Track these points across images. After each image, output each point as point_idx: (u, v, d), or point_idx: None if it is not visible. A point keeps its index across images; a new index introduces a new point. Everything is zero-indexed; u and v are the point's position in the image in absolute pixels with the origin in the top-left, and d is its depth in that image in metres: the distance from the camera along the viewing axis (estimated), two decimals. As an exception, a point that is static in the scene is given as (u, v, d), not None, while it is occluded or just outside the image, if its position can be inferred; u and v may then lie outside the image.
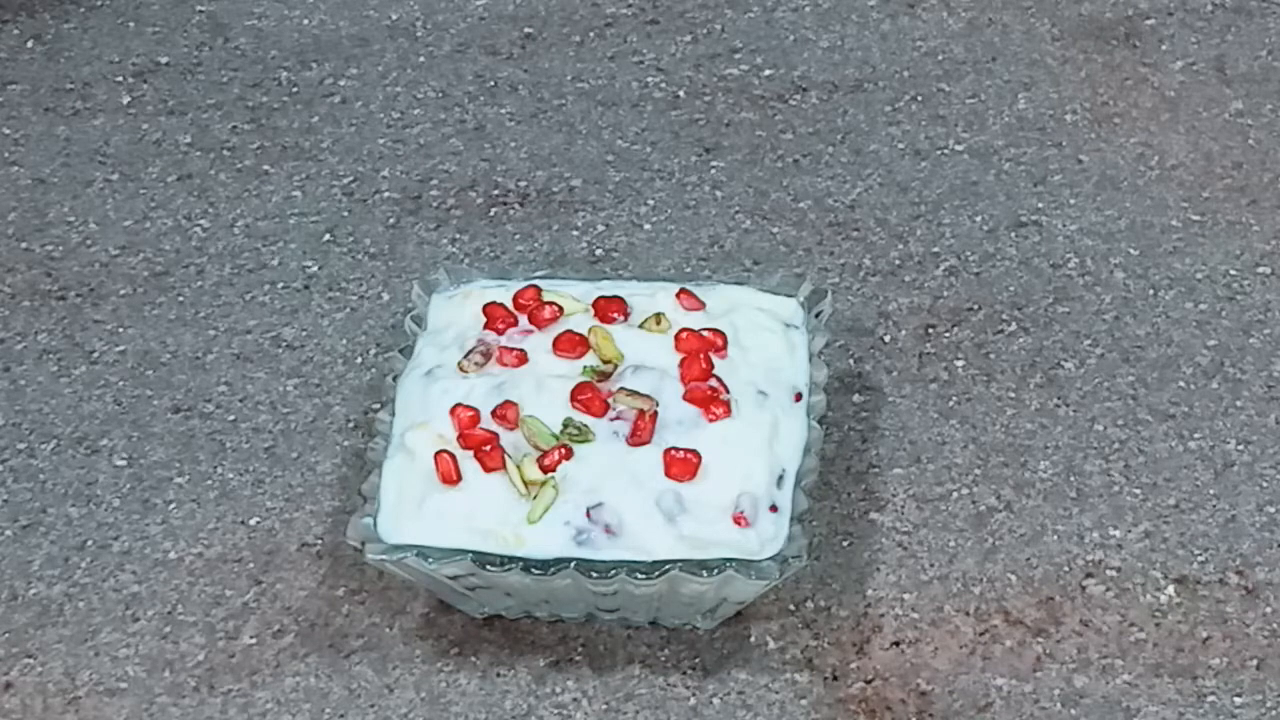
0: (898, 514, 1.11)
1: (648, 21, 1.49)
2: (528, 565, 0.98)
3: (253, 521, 1.12)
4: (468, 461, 1.01)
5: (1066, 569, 1.08)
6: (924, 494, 1.12)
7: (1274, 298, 1.24)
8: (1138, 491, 1.12)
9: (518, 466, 1.00)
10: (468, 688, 1.03)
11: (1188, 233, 1.29)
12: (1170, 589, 1.07)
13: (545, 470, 1.00)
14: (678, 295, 1.09)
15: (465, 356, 1.06)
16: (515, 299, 1.09)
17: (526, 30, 1.49)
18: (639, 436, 1.01)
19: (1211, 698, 1.02)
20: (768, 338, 1.08)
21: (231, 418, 1.18)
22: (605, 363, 1.05)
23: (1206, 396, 1.18)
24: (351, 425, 1.17)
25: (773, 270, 1.21)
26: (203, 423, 1.18)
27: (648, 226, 1.31)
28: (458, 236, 1.30)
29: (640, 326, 1.07)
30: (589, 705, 1.02)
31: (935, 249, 1.28)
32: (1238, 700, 1.02)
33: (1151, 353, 1.21)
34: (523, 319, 1.08)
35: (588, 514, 0.99)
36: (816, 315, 1.11)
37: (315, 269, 1.28)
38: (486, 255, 1.28)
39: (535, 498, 0.99)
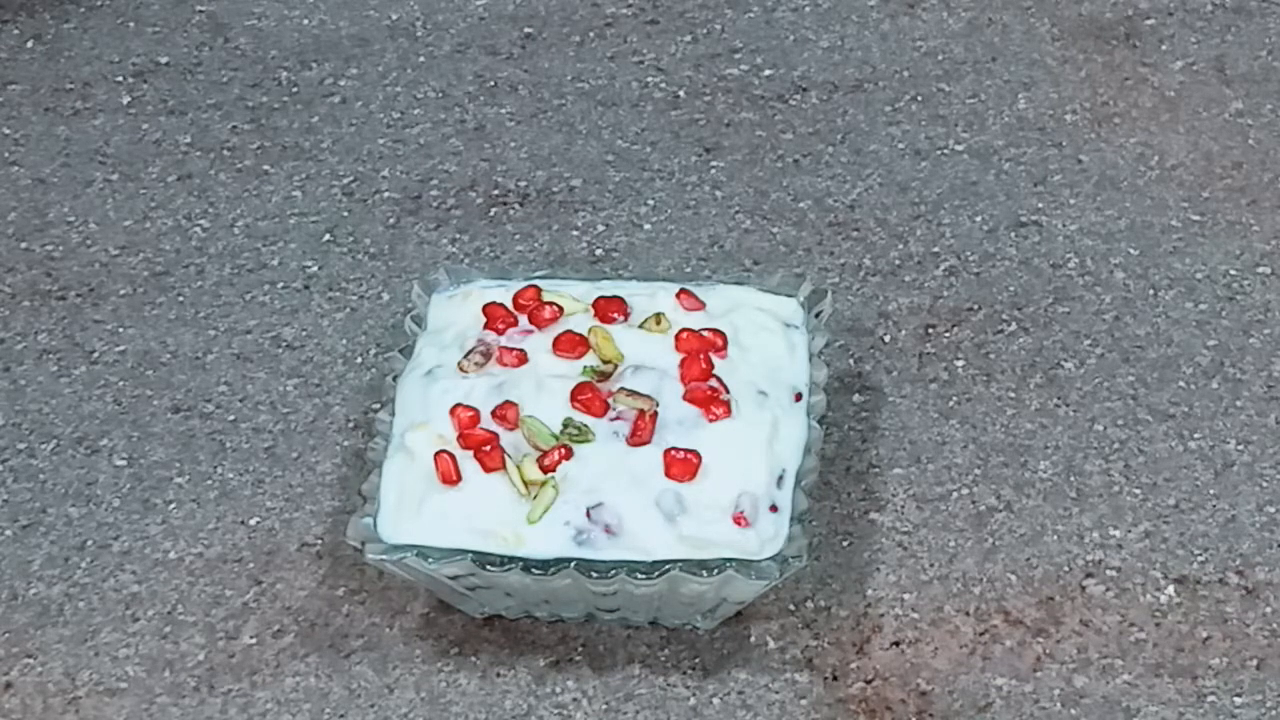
0: (898, 514, 1.11)
1: (648, 21, 1.49)
2: (528, 565, 0.98)
3: (253, 521, 1.12)
4: (468, 461, 1.01)
5: (1066, 569, 1.08)
6: (924, 494, 1.12)
7: (1274, 298, 1.24)
8: (1138, 491, 1.12)
9: (518, 466, 1.00)
10: (468, 688, 1.03)
11: (1188, 233, 1.29)
12: (1170, 589, 1.07)
13: (545, 470, 1.00)
14: (678, 295, 1.09)
15: (465, 356, 1.06)
16: (515, 299, 1.09)
17: (526, 30, 1.49)
18: (639, 436, 1.01)
19: (1211, 698, 1.02)
20: (768, 338, 1.08)
21: (231, 418, 1.18)
22: (605, 363, 1.05)
23: (1206, 396, 1.18)
24: (351, 425, 1.17)
25: (773, 270, 1.21)
26: (203, 423, 1.18)
27: (648, 226, 1.31)
28: (458, 236, 1.30)
29: (640, 326, 1.07)
30: (589, 705, 1.02)
31: (935, 249, 1.28)
32: (1238, 700, 1.02)
33: (1151, 353, 1.21)
34: (523, 319, 1.08)
35: (588, 514, 0.99)
36: (816, 315, 1.11)
37: (315, 269, 1.28)
38: (486, 255, 1.28)
39: (535, 498, 0.99)
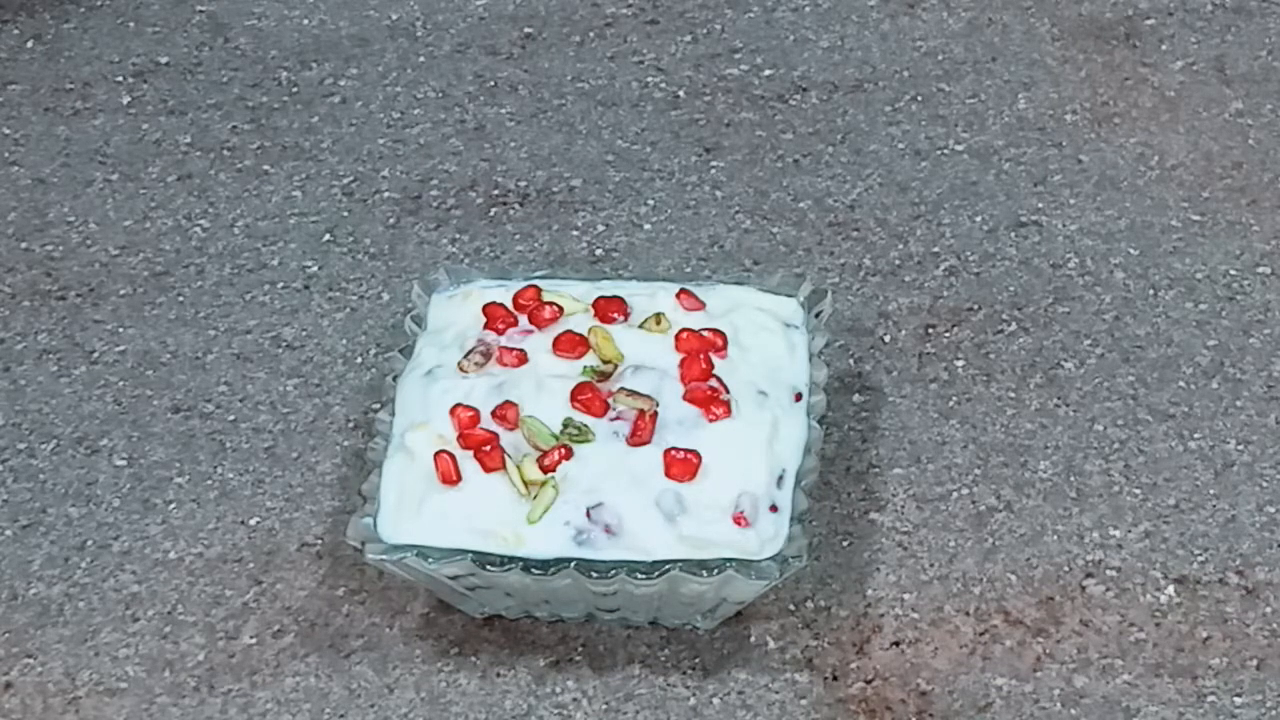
0: (898, 514, 1.11)
1: (648, 21, 1.49)
2: (528, 565, 0.98)
3: (253, 521, 1.12)
4: (468, 461, 1.01)
5: (1066, 569, 1.08)
6: (924, 494, 1.12)
7: (1274, 298, 1.24)
8: (1138, 491, 1.12)
9: (518, 466, 1.00)
10: (468, 688, 1.03)
11: (1188, 233, 1.29)
12: (1170, 589, 1.07)
13: (545, 470, 1.00)
14: (678, 295, 1.09)
15: (465, 356, 1.06)
16: (515, 299, 1.09)
17: (526, 30, 1.49)
18: (639, 436, 1.01)
19: (1211, 698, 1.02)
20: (768, 338, 1.08)
21: (231, 418, 1.18)
22: (605, 363, 1.05)
23: (1206, 396, 1.18)
24: (351, 425, 1.17)
25: (773, 270, 1.21)
26: (203, 423, 1.18)
27: (648, 226, 1.31)
28: (458, 236, 1.30)
29: (640, 326, 1.07)
30: (589, 705, 1.02)
31: (935, 249, 1.28)
32: (1238, 700, 1.02)
33: (1151, 353, 1.21)
34: (523, 319, 1.08)
35: (588, 514, 0.99)
36: (816, 315, 1.11)
37: (315, 269, 1.28)
38: (486, 255, 1.28)
39: (535, 498, 0.99)
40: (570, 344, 1.06)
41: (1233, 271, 1.26)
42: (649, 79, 1.43)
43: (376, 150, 1.38)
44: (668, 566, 0.98)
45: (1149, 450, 1.14)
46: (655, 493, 0.99)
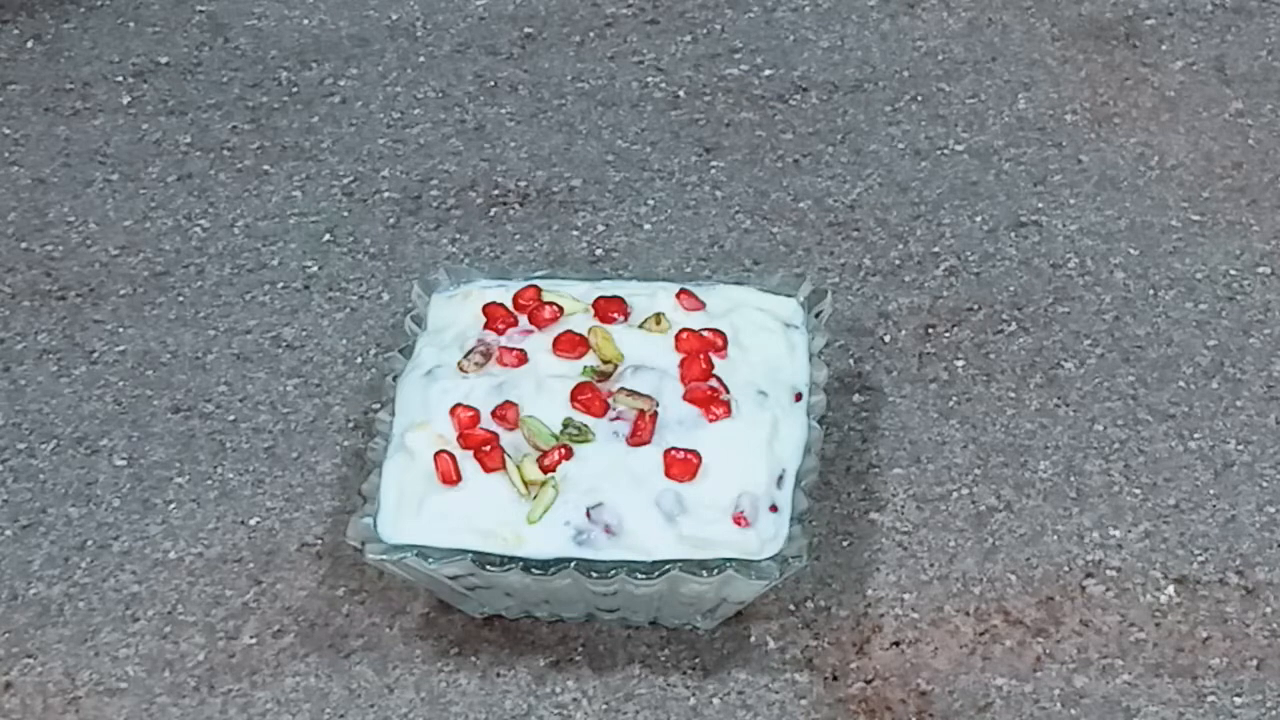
0: (898, 514, 1.11)
1: (648, 21, 1.49)
2: (528, 565, 0.98)
3: (253, 521, 1.12)
4: (468, 461, 1.01)
5: (1066, 569, 1.08)
6: (924, 494, 1.12)
7: (1274, 298, 1.24)
8: (1138, 491, 1.12)
9: (518, 466, 1.00)
10: (468, 688, 1.03)
11: (1188, 233, 1.29)
12: (1170, 589, 1.07)
13: (545, 470, 1.00)
14: (678, 295, 1.09)
15: (465, 356, 1.06)
16: (515, 299, 1.09)
17: (526, 30, 1.49)
18: (639, 436, 1.01)
19: (1211, 698, 1.02)
20: (768, 338, 1.08)
21: (231, 418, 1.18)
22: (605, 363, 1.05)
23: (1206, 396, 1.18)
24: (351, 425, 1.17)
25: (773, 270, 1.21)
26: (203, 423, 1.18)
27: (648, 226, 1.31)
28: (458, 236, 1.30)
29: (640, 326, 1.07)
30: (589, 705, 1.02)
31: (935, 249, 1.28)
32: (1238, 700, 1.02)
33: (1151, 353, 1.21)
34: (523, 319, 1.08)
35: (588, 514, 0.99)
36: (816, 315, 1.11)
37: (315, 269, 1.28)
38: (486, 255, 1.28)
39: (535, 498, 0.99)
40: (570, 344, 1.06)
41: (1233, 271, 1.26)
42: (649, 79, 1.43)
43: (376, 150, 1.38)
44: (668, 566, 0.98)
45: (1149, 450, 1.14)
46: (655, 493, 0.99)
